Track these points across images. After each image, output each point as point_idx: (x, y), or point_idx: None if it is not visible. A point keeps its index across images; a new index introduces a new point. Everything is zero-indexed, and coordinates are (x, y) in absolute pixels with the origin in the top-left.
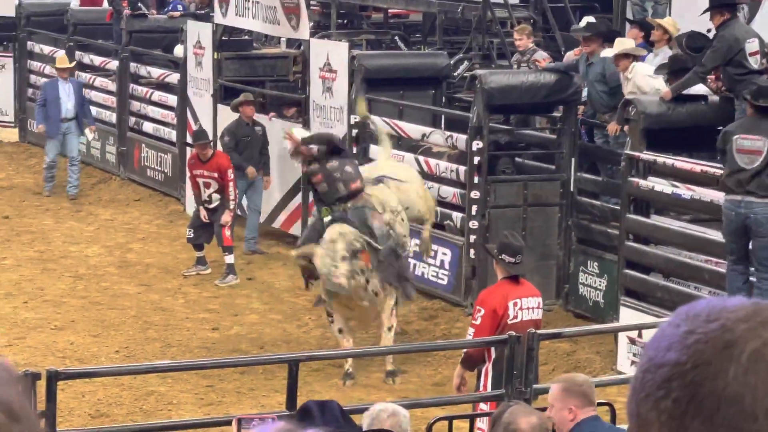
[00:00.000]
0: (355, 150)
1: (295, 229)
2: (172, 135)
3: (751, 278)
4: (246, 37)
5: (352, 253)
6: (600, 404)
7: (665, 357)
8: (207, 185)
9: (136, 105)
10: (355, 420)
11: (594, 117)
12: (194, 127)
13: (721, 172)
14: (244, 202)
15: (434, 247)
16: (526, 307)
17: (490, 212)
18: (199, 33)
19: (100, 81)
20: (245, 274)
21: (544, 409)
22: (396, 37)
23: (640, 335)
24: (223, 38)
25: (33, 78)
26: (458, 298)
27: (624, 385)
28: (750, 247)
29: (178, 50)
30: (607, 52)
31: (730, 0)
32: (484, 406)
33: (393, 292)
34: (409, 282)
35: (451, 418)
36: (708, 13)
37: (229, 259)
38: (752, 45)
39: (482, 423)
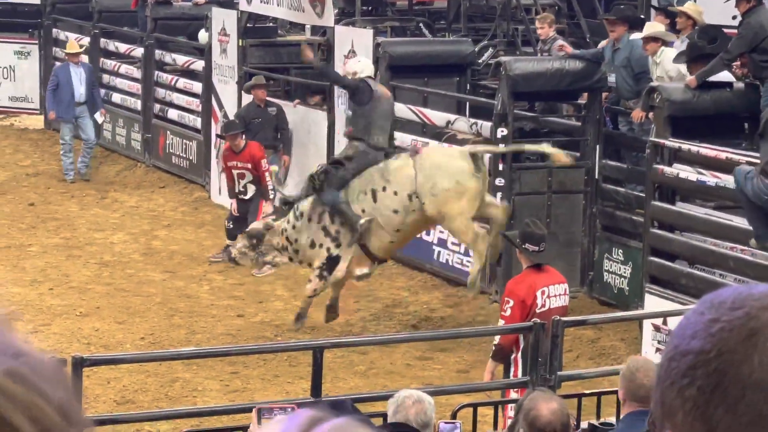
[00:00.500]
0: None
1: None
2: (197, 122)
3: None
4: (271, 24)
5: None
6: None
7: (690, 345)
8: (241, 176)
9: (161, 92)
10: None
11: (617, 104)
12: (219, 115)
13: (747, 158)
14: None
15: None
16: (554, 294)
17: (515, 199)
18: (224, 20)
19: (125, 68)
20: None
21: (568, 397)
22: (421, 24)
23: (664, 322)
24: (248, 25)
25: (58, 65)
26: (483, 286)
27: None
28: None
29: (202, 36)
30: (636, 36)
31: None
32: (514, 394)
33: (322, 253)
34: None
35: (476, 405)
36: (733, 0)
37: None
38: None
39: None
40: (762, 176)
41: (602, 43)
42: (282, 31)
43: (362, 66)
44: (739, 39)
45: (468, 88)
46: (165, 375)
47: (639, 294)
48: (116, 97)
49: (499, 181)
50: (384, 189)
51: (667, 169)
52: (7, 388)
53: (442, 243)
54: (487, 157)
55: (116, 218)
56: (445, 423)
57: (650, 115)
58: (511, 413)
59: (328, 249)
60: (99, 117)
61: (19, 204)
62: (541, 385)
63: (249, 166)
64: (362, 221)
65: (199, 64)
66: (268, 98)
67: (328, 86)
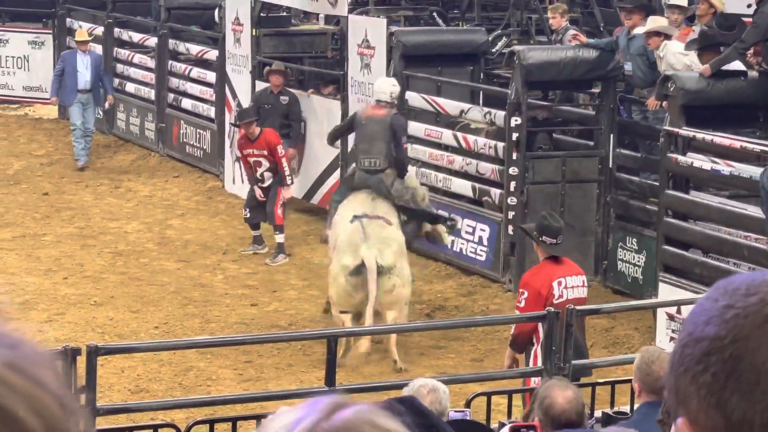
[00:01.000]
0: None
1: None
2: (211, 112)
3: None
4: (284, 14)
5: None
6: None
7: (704, 331)
8: (258, 164)
9: (174, 82)
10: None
11: (631, 92)
12: (233, 104)
13: (761, 147)
14: None
15: (473, 223)
16: (571, 285)
17: (529, 188)
18: (238, 9)
19: (138, 58)
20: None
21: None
22: (434, 14)
23: (678, 311)
24: (262, 15)
25: (66, 52)
26: (496, 275)
27: None
28: None
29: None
30: (640, 29)
31: None
32: (533, 383)
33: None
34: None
35: (490, 394)
36: None
37: (280, 238)
38: None
39: None
40: None
41: (617, 31)
42: (295, 21)
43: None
44: (753, 28)
45: (482, 77)
46: (179, 364)
47: (653, 283)
48: (130, 87)
49: (513, 170)
50: None
51: (681, 158)
52: (8, 380)
53: (456, 232)
54: (500, 145)
55: (130, 208)
56: (455, 411)
57: (664, 104)
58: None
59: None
60: (106, 104)
61: (34, 193)
62: (556, 374)
63: (265, 152)
64: None
65: (212, 54)
66: (285, 87)
67: (341, 76)
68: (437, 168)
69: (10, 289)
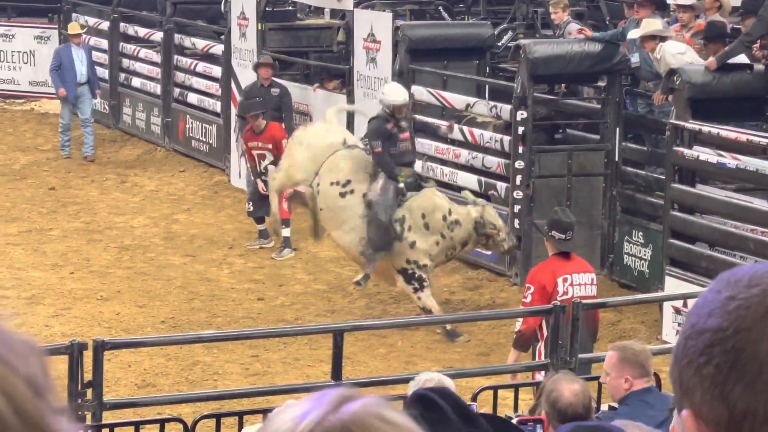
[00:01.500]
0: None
1: None
2: (217, 106)
3: None
4: (290, 8)
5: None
6: None
7: (707, 323)
8: (262, 157)
9: (180, 76)
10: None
11: (636, 86)
12: (239, 99)
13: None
14: None
15: None
16: (578, 283)
17: (535, 182)
18: (243, 4)
19: (144, 52)
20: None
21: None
22: (440, 8)
23: (685, 305)
24: (267, 9)
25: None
26: (502, 268)
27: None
28: None
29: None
30: (634, 33)
31: None
32: (539, 377)
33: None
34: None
35: (496, 388)
36: None
37: (286, 232)
38: None
39: None
40: None
41: (620, 25)
42: (301, 15)
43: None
44: (759, 21)
45: (487, 71)
46: (185, 358)
47: (659, 276)
48: (136, 82)
49: (519, 164)
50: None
51: (687, 152)
52: None
53: None
54: (506, 139)
55: (136, 202)
56: None
57: (670, 97)
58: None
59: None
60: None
61: (40, 188)
62: (562, 368)
63: (270, 146)
64: None
65: (218, 48)
66: (274, 79)
67: (347, 70)
68: (443, 162)
69: (17, 283)
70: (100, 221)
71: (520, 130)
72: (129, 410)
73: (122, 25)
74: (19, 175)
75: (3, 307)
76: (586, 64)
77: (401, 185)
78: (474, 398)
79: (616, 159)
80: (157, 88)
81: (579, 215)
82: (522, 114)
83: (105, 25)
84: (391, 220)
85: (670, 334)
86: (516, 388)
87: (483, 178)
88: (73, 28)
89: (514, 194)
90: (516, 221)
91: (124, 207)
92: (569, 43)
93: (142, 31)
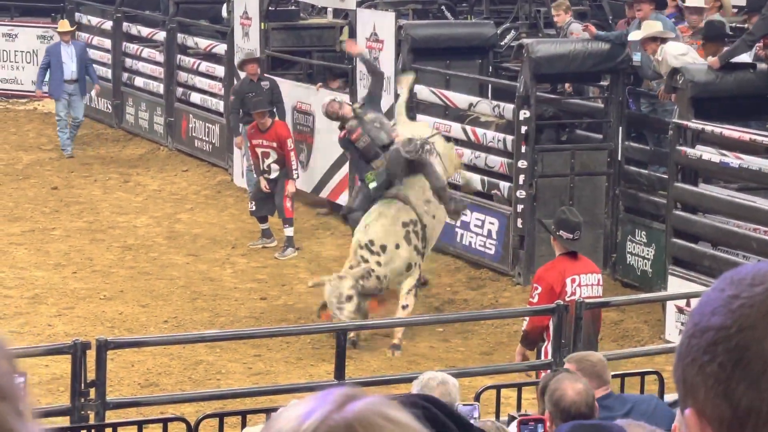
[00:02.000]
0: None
1: (342, 199)
2: (220, 105)
3: None
4: (293, 8)
5: (358, 291)
6: (648, 373)
7: (710, 321)
8: (265, 155)
9: (183, 76)
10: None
11: (639, 85)
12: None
13: None
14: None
15: (482, 216)
16: (585, 283)
17: (538, 181)
18: (246, 3)
19: (147, 52)
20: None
21: None
22: (443, 7)
23: (688, 304)
24: (270, 8)
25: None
26: (506, 268)
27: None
28: None
29: (225, 12)
30: (635, 35)
31: None
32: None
33: (416, 272)
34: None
35: (499, 387)
36: None
37: (289, 231)
38: None
39: None
40: None
41: (620, 24)
42: (304, 14)
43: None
44: (762, 20)
45: (490, 70)
46: (188, 358)
47: (662, 276)
48: (139, 81)
49: (522, 164)
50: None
51: (690, 151)
52: None
53: (465, 226)
54: (509, 138)
55: (139, 202)
56: (464, 405)
57: (673, 96)
58: None
59: (419, 265)
60: (93, 93)
61: (43, 188)
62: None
63: (274, 144)
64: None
65: (221, 48)
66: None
67: (350, 69)
68: None
69: (20, 283)
70: (103, 221)
71: (523, 129)
72: (132, 409)
73: (125, 24)
74: (22, 174)
75: (6, 306)
76: (589, 64)
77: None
78: (477, 397)
79: (619, 158)
80: (160, 88)
81: (582, 214)
82: (525, 113)
83: (108, 24)
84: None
85: (673, 334)
86: (519, 387)
87: (486, 178)
88: (62, 25)
89: (517, 194)
90: (519, 220)
91: (127, 206)
92: (572, 43)
93: (145, 31)
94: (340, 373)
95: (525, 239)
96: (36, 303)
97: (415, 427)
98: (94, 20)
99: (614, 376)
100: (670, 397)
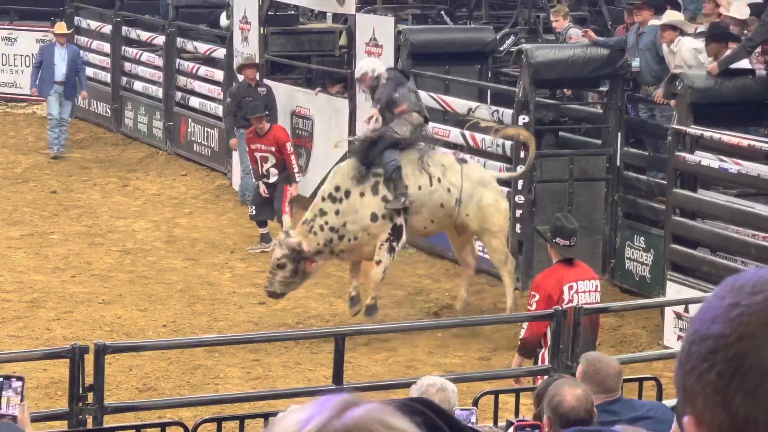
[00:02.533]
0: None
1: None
2: (219, 110)
3: None
4: (292, 12)
5: (291, 257)
6: (646, 379)
7: (709, 329)
8: (264, 159)
9: (182, 80)
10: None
11: (638, 91)
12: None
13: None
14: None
15: None
16: (583, 290)
17: (537, 187)
18: (246, 8)
19: (146, 56)
20: None
21: None
22: (442, 12)
23: (686, 310)
24: (270, 13)
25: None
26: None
27: (670, 359)
28: None
29: (223, 20)
30: (655, 22)
31: None
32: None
33: (386, 225)
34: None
35: (497, 393)
36: None
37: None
38: None
39: None
40: None
41: (618, 30)
42: (303, 19)
43: (371, 63)
44: (762, 26)
45: (489, 75)
46: (187, 362)
47: (661, 281)
48: (138, 85)
49: (521, 169)
50: (439, 180)
51: (688, 157)
52: None
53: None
54: (508, 144)
55: (138, 206)
56: (461, 410)
57: (672, 102)
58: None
59: (392, 218)
60: (80, 98)
61: (42, 192)
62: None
63: (273, 149)
64: (410, 197)
65: (220, 52)
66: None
67: (348, 74)
68: None
69: (18, 287)
70: (101, 225)
71: None
72: (130, 414)
73: (124, 28)
74: (21, 178)
75: (4, 310)
76: (588, 69)
77: None
78: (475, 403)
79: (618, 164)
80: (159, 92)
81: (580, 220)
82: (524, 118)
83: (107, 28)
84: None
85: (672, 339)
86: (517, 392)
87: None
88: (59, 27)
89: (516, 199)
90: (518, 225)
91: (125, 210)
92: (571, 48)
93: (144, 35)
94: (338, 378)
95: (523, 244)
96: (34, 307)
97: None
98: (94, 24)
99: None
100: (669, 402)
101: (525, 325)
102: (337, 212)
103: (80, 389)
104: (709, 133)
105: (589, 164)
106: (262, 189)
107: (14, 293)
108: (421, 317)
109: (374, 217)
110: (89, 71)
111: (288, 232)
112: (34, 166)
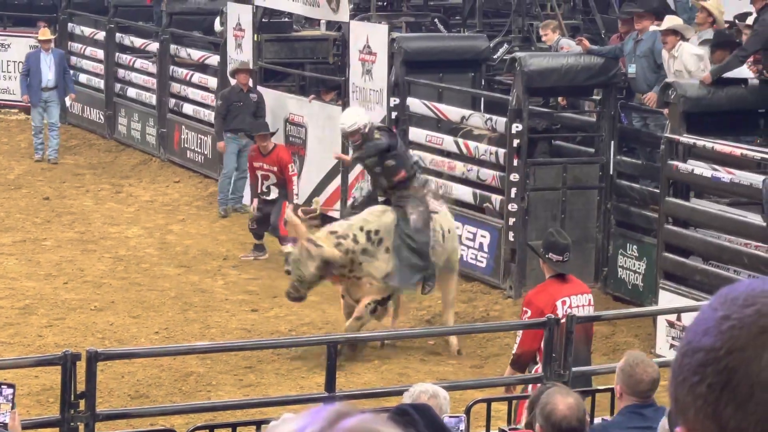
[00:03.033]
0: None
1: (334, 211)
2: (212, 117)
3: None
4: (286, 20)
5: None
6: None
7: (701, 342)
8: (265, 177)
9: (176, 87)
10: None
11: (631, 99)
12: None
13: (762, 155)
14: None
15: (473, 229)
16: (576, 305)
17: (530, 195)
18: (240, 15)
19: (140, 63)
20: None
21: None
22: (436, 20)
23: (678, 318)
24: (264, 20)
25: (74, 59)
26: (497, 281)
27: (662, 368)
28: None
29: (217, 25)
30: (655, 28)
31: None
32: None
33: (384, 288)
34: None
35: (490, 401)
36: None
37: (287, 248)
38: None
39: None
40: None
41: (613, 39)
42: (297, 27)
43: (362, 117)
44: (754, 36)
45: (483, 83)
46: (179, 369)
47: (653, 290)
48: (131, 92)
49: (514, 177)
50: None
51: (681, 166)
52: None
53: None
54: (501, 152)
55: (131, 213)
56: (449, 417)
57: (665, 111)
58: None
59: (386, 283)
60: (68, 100)
61: (34, 198)
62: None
63: (275, 169)
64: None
65: (214, 59)
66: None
67: (342, 82)
68: (438, 174)
69: (10, 293)
70: (94, 231)
71: (515, 142)
72: (122, 421)
73: (118, 35)
74: (14, 184)
75: None
76: (582, 78)
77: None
78: (468, 410)
79: (611, 172)
80: (153, 99)
81: (573, 228)
82: (517, 127)
83: (101, 35)
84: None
85: (664, 348)
86: (510, 400)
87: (478, 191)
88: (43, 33)
89: (509, 207)
90: (511, 234)
91: (118, 217)
92: (564, 56)
93: (138, 42)
94: (330, 385)
95: (516, 252)
96: (26, 313)
97: None
98: (87, 31)
99: (605, 390)
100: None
101: (518, 339)
102: (364, 251)
103: (72, 396)
104: (701, 142)
105: (582, 172)
106: (254, 206)
107: (6, 300)
108: (413, 325)
109: (386, 277)
110: (82, 78)
111: (315, 241)
112: (26, 173)
